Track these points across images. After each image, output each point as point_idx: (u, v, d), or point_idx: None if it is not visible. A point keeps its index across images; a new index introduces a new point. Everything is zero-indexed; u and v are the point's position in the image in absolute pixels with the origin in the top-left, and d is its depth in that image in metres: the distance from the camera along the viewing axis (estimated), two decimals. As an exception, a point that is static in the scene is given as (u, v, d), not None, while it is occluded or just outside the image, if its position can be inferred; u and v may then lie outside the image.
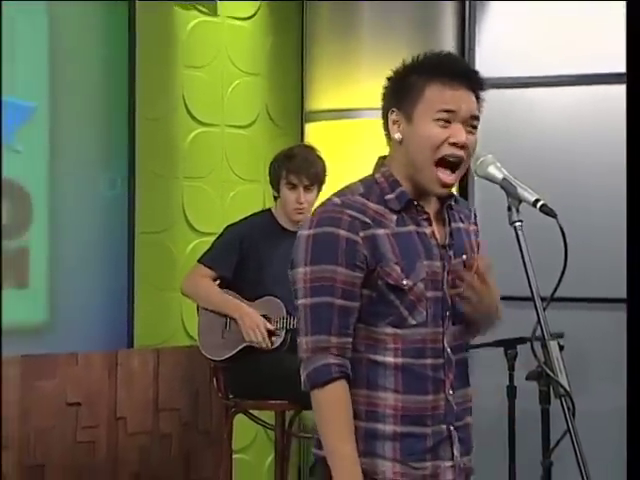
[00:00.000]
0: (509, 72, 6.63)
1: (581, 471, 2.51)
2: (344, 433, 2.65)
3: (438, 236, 2.75)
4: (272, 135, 6.44)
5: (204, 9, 6.29)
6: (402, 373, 2.68)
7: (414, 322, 2.68)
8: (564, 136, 6.49)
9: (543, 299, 2.60)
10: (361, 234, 2.65)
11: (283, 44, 6.72)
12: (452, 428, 2.73)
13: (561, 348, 2.65)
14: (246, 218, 5.14)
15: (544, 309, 2.62)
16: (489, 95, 7.42)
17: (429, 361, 2.70)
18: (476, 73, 2.76)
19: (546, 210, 2.63)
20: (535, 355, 2.63)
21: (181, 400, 5.88)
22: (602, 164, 6.13)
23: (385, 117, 2.76)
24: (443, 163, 2.66)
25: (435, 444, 2.71)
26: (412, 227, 2.72)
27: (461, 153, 2.66)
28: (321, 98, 6.48)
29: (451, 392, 2.73)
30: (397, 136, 2.71)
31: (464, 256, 2.79)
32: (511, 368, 4.61)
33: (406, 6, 6.42)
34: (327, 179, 5.05)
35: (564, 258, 2.60)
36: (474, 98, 2.72)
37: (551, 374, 2.60)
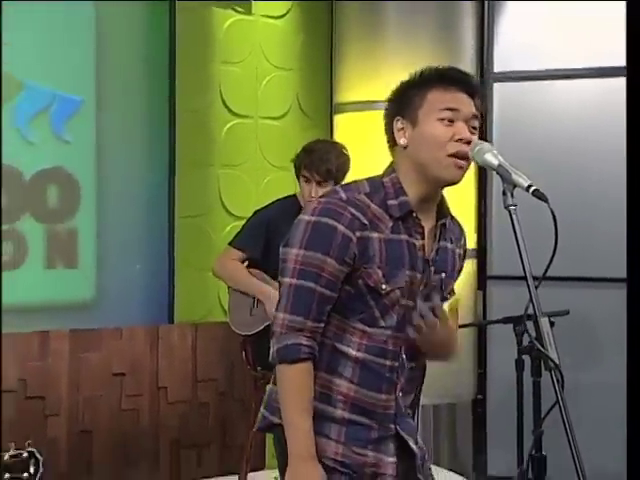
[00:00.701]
0: (525, 66, 6.67)
1: (569, 438, 2.54)
2: (304, 409, 2.67)
3: (426, 249, 2.74)
4: (303, 126, 6.45)
5: (240, 9, 6.33)
6: (360, 367, 2.70)
7: (384, 324, 2.70)
8: (577, 125, 6.53)
9: (536, 278, 2.61)
10: (357, 234, 2.66)
11: (313, 41, 6.73)
12: (399, 428, 2.75)
13: (552, 324, 2.66)
14: (273, 203, 5.14)
15: (536, 287, 2.61)
16: (507, 87, 7.48)
17: (388, 362, 2.72)
18: (472, 78, 2.79)
19: (538, 195, 2.62)
20: (527, 331, 2.70)
21: (218, 371, 5.94)
22: (612, 151, 6.17)
23: (389, 128, 2.77)
24: (451, 156, 2.67)
25: (379, 438, 2.73)
26: (404, 236, 2.71)
27: (467, 149, 2.66)
28: (349, 91, 6.50)
29: (401, 394, 2.74)
30: (403, 141, 2.71)
31: (443, 274, 2.78)
32: (519, 343, 4.54)
33: (429, 6, 6.44)
34: (354, 166, 5.00)
35: (555, 240, 2.59)
36: (472, 101, 2.72)
37: (541, 348, 2.61)
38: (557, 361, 2.59)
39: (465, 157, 2.68)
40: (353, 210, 2.66)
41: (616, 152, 6.09)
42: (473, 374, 6.68)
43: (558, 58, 6.61)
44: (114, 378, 5.69)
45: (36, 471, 3.19)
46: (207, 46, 6.29)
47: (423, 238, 2.74)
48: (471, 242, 6.58)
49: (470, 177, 6.55)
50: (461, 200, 6.52)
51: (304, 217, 2.71)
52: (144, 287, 6.13)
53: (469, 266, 6.60)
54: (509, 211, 2.64)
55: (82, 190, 5.92)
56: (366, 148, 5.81)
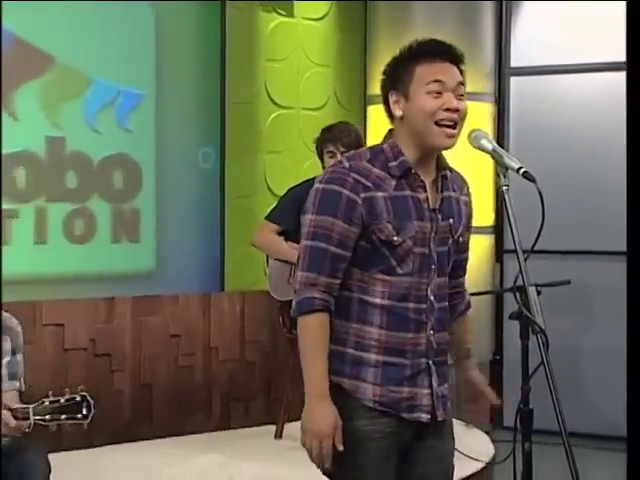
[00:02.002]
0: (540, 61, 6.69)
1: (552, 393, 2.58)
2: (319, 355, 2.64)
3: (430, 201, 2.72)
4: (339, 116, 6.43)
5: (283, 12, 6.39)
6: (387, 313, 2.68)
7: (401, 271, 2.68)
8: (588, 114, 6.56)
9: (525, 251, 2.65)
10: (362, 195, 2.64)
11: (349, 40, 6.77)
12: (431, 362, 2.71)
13: (538, 293, 2.68)
14: (303, 182, 5.16)
15: (525, 260, 2.64)
16: (523, 80, 7.51)
17: (411, 305, 2.69)
18: (455, 48, 2.74)
19: (527, 176, 2.63)
20: (516, 298, 2.69)
21: (262, 334, 5.99)
22: (620, 138, 6.25)
23: (386, 100, 2.75)
24: (442, 125, 2.64)
25: (413, 374, 2.70)
26: (408, 192, 2.69)
27: (455, 116, 2.65)
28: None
29: (432, 332, 2.72)
30: (398, 113, 2.69)
31: (451, 220, 2.76)
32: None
33: (452, 5, 6.50)
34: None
35: (542, 217, 2.61)
36: (457, 69, 2.70)
37: (528, 314, 2.64)
38: (542, 326, 2.63)
39: (454, 124, 2.67)
40: (356, 175, 2.66)
41: (624, 139, 6.19)
42: (491, 337, 6.80)
43: (571, 53, 6.63)
44: (171, 339, 5.76)
45: (88, 412, 3.37)
46: (254, 45, 6.35)
47: (425, 191, 2.72)
48: (489, 219, 6.69)
49: (488, 158, 6.67)
50: (479, 180, 6.61)
51: (315, 185, 2.72)
52: (198, 259, 6.19)
53: (487, 241, 6.70)
54: (502, 191, 2.67)
55: (143, 174, 6.02)
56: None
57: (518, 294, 4.82)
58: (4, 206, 5.56)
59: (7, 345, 3.64)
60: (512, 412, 6.22)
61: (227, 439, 5.16)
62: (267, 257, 5.26)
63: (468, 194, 2.90)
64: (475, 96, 6.53)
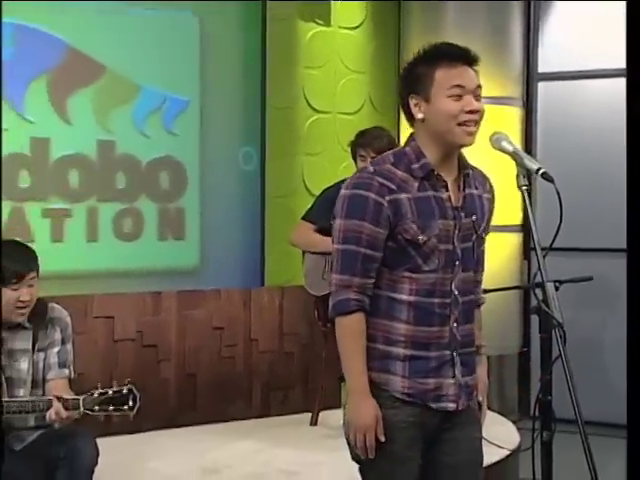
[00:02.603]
0: (567, 67, 6.65)
1: (568, 385, 2.58)
2: (357, 353, 2.65)
3: (453, 199, 2.71)
4: (374, 119, 6.41)
5: (320, 21, 6.40)
6: (413, 308, 2.67)
7: (427, 268, 2.67)
8: (611, 118, 6.48)
9: (544, 248, 2.66)
10: (387, 198, 2.63)
11: (383, 47, 6.76)
12: (455, 354, 2.71)
13: (557, 289, 2.66)
14: (336, 183, 5.09)
15: (544, 257, 2.65)
16: (552, 86, 7.44)
17: (436, 300, 2.69)
18: (471, 51, 2.73)
19: (545, 177, 2.64)
20: (535, 294, 2.69)
21: (300, 327, 5.99)
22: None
23: (405, 103, 2.73)
24: (463, 125, 2.64)
25: (439, 365, 2.69)
26: (431, 192, 2.68)
27: (475, 117, 2.65)
28: None
29: (455, 325, 2.71)
30: (420, 116, 2.68)
31: (474, 217, 2.75)
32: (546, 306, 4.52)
33: (482, 13, 6.48)
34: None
35: (560, 216, 2.65)
36: (473, 71, 2.69)
37: (547, 309, 2.62)
38: (560, 320, 2.61)
39: (474, 124, 2.66)
40: (381, 179, 2.65)
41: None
42: (519, 330, 6.80)
43: (597, 59, 6.59)
44: (214, 331, 5.79)
45: (134, 404, 3.45)
46: (293, 53, 6.37)
47: (448, 190, 2.71)
48: (517, 218, 6.69)
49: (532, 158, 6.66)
50: (507, 180, 6.59)
51: (342, 192, 2.72)
52: (240, 256, 6.23)
53: (515, 239, 6.71)
54: (521, 190, 2.67)
55: (188, 175, 6.07)
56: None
57: (538, 290, 4.79)
58: (58, 206, 5.68)
59: (57, 335, 3.72)
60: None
61: (265, 426, 5.20)
62: (303, 254, 5.27)
63: (491, 191, 2.90)
64: (504, 100, 6.56)
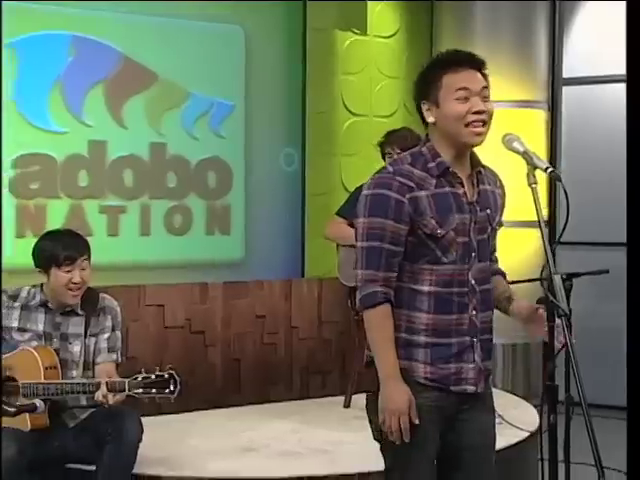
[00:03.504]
0: (591, 72, 6.63)
1: (573, 369, 2.58)
2: (387, 342, 2.64)
3: (468, 195, 2.71)
4: (407, 122, 6.15)
5: (357, 30, 6.42)
6: (433, 298, 2.67)
7: (446, 260, 2.66)
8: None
9: (564, 242, 2.62)
10: (407, 196, 2.63)
11: (416, 54, 6.72)
12: (475, 340, 2.71)
13: (563, 281, 2.66)
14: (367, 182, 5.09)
15: (553, 250, 2.66)
16: (576, 90, 7.33)
17: (455, 289, 2.68)
18: (476, 56, 2.73)
19: (553, 175, 2.65)
20: (542, 286, 2.69)
21: (338, 315, 5.95)
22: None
23: (419, 108, 2.73)
24: (470, 126, 2.64)
25: (459, 351, 2.69)
26: (447, 189, 2.68)
27: (483, 117, 2.63)
28: None
29: (474, 313, 2.70)
30: (431, 119, 2.68)
31: (488, 210, 2.75)
32: (568, 296, 4.33)
33: (510, 22, 6.45)
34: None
35: (567, 212, 2.68)
36: (480, 75, 2.69)
37: (554, 300, 2.61)
38: (566, 310, 2.61)
39: (481, 124, 2.65)
40: (400, 178, 2.64)
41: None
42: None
43: (619, 64, 6.56)
44: (257, 319, 5.81)
45: (175, 388, 3.49)
46: (331, 61, 6.39)
47: (463, 186, 2.71)
48: (543, 213, 6.68)
49: (541, 152, 6.49)
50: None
51: (364, 192, 2.70)
52: (282, 249, 6.25)
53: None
54: (531, 188, 2.64)
55: (234, 174, 6.10)
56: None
57: (563, 282, 4.70)
58: (114, 203, 5.76)
59: (108, 322, 3.78)
60: (563, 386, 6.01)
61: (303, 408, 5.23)
62: (337, 248, 5.27)
63: (502, 187, 2.89)
64: (530, 104, 6.54)
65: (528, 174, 2.67)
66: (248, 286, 5.85)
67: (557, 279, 2.66)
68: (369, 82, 6.56)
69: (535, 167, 2.67)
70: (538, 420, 4.94)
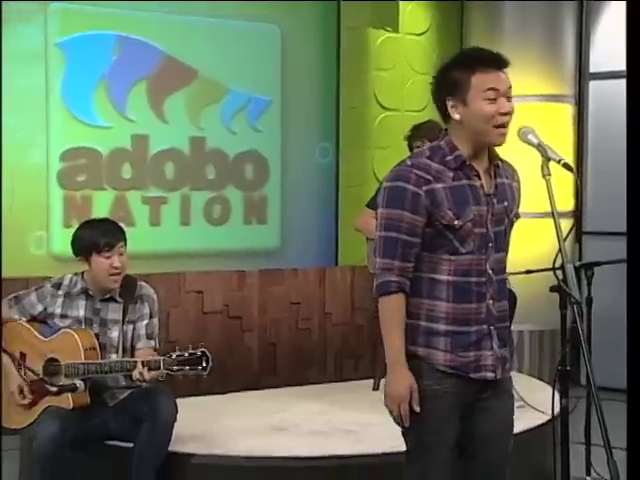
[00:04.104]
0: (617, 67, 6.41)
1: (583, 354, 2.59)
2: (395, 330, 2.62)
3: (485, 187, 2.67)
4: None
5: (389, 28, 6.42)
6: (452, 287, 2.64)
7: (464, 250, 2.63)
8: None
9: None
10: (424, 188, 2.59)
11: (447, 51, 6.55)
12: (492, 328, 2.68)
13: (575, 270, 2.62)
14: None
15: (564, 240, 2.61)
16: (602, 85, 7.27)
17: (473, 279, 2.65)
18: (502, 56, 2.65)
19: (567, 167, 2.62)
20: (555, 275, 2.63)
21: (369, 302, 5.62)
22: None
23: (441, 103, 2.68)
24: (497, 127, 2.61)
25: (478, 339, 2.66)
26: (465, 181, 2.65)
27: (508, 119, 2.61)
28: None
29: (491, 302, 2.67)
30: (457, 117, 2.64)
31: (505, 203, 2.71)
32: (589, 284, 4.38)
33: (538, 19, 6.39)
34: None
35: (580, 203, 2.61)
36: (504, 74, 2.63)
37: (566, 288, 2.59)
38: (578, 298, 2.59)
39: (507, 125, 2.62)
40: (417, 171, 2.61)
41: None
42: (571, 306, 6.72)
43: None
44: (292, 306, 5.86)
45: (206, 365, 3.53)
46: (364, 58, 6.40)
47: (480, 179, 2.67)
48: (570, 204, 6.61)
49: (569, 149, 6.48)
50: (560, 167, 6.55)
51: (383, 185, 2.68)
52: (316, 238, 6.29)
53: (568, 224, 6.62)
54: (545, 179, 2.62)
55: (270, 167, 6.15)
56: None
57: (585, 272, 4.61)
58: (156, 194, 5.83)
59: (146, 310, 3.80)
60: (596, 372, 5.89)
61: (335, 390, 5.24)
62: (367, 238, 5.24)
63: (518, 180, 2.84)
64: (558, 98, 6.49)
65: (542, 166, 2.64)
66: (283, 274, 5.89)
67: (569, 268, 2.63)
68: (401, 78, 6.55)
69: (549, 159, 2.64)
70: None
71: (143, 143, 5.77)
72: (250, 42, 6.03)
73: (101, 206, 5.63)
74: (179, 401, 3.73)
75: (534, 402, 4.66)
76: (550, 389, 5.34)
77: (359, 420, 4.32)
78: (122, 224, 5.50)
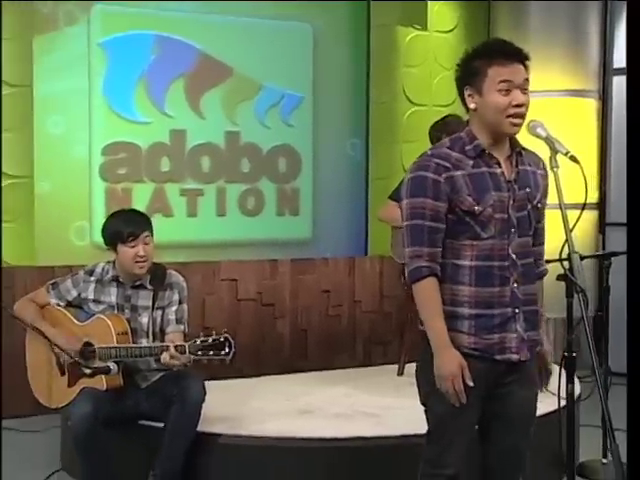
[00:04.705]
0: None
1: (588, 342, 2.57)
2: (436, 313, 2.59)
3: (506, 174, 2.65)
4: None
5: (418, 26, 6.39)
6: (475, 272, 2.62)
7: (485, 236, 2.61)
8: None
9: (617, 224, 2.48)
10: (443, 176, 2.58)
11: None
12: (517, 311, 2.64)
13: (581, 259, 2.58)
14: None
15: (571, 230, 2.55)
16: (624, 80, 7.21)
17: (496, 263, 2.62)
18: (521, 50, 2.63)
19: (573, 159, 2.57)
20: (562, 265, 2.59)
21: (398, 290, 5.75)
22: None
23: (461, 92, 2.67)
24: (510, 117, 2.58)
25: (502, 322, 2.63)
26: (485, 169, 2.63)
27: (522, 110, 2.59)
28: None
29: (515, 285, 2.64)
30: (472, 106, 2.64)
31: (527, 189, 2.68)
32: (607, 273, 4.42)
33: (563, 16, 6.32)
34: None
35: (585, 193, 2.56)
36: (523, 67, 2.60)
37: (571, 277, 2.56)
38: (583, 287, 2.56)
39: (521, 116, 2.59)
40: (437, 160, 2.60)
41: None
42: (595, 295, 6.66)
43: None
44: (323, 293, 5.89)
45: (229, 350, 3.54)
46: (393, 55, 6.37)
47: (500, 167, 2.65)
48: (593, 196, 6.56)
49: (593, 143, 6.46)
50: (584, 160, 6.43)
51: (406, 176, 2.67)
52: (346, 229, 6.28)
53: (592, 215, 6.57)
54: (553, 172, 2.60)
55: (302, 160, 6.16)
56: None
57: (602, 261, 4.57)
58: (193, 186, 5.87)
59: (175, 296, 3.83)
60: (613, 358, 5.87)
61: (362, 374, 5.24)
62: (391, 229, 5.23)
63: (544, 169, 2.78)
64: (582, 92, 6.43)
65: (551, 158, 2.61)
66: (315, 263, 5.92)
67: (576, 258, 2.59)
68: (429, 74, 6.51)
69: (557, 152, 2.60)
70: (579, 389, 4.86)
71: (181, 138, 5.82)
72: (283, 40, 6.05)
73: (140, 198, 5.69)
74: (213, 384, 3.77)
75: (554, 388, 4.62)
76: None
77: (381, 404, 4.32)
78: (160, 215, 5.65)
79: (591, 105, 6.50)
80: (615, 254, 4.74)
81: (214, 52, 5.85)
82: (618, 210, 6.47)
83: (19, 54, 5.32)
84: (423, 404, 2.74)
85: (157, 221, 5.61)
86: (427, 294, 2.61)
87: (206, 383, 3.69)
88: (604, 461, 4.38)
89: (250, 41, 5.94)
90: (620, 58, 6.51)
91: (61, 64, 5.47)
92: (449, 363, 2.59)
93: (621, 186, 6.41)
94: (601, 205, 6.60)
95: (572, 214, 5.94)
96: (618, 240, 6.42)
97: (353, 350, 6.01)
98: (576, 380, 5.21)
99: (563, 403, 4.55)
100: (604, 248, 6.59)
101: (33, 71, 5.37)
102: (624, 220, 6.55)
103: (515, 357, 2.67)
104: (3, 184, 5.33)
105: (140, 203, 5.61)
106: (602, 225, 6.60)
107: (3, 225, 5.30)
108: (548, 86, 6.29)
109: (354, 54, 6.32)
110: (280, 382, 4.95)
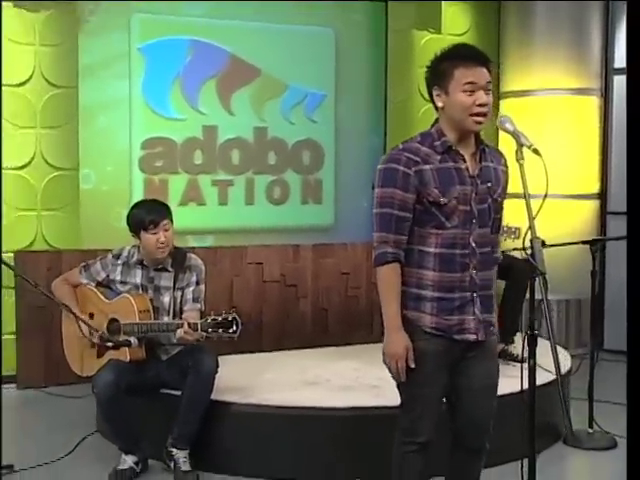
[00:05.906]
0: None
1: (547, 324, 2.55)
2: (392, 298, 2.64)
3: (471, 169, 2.66)
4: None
5: (432, 29, 6.35)
6: (439, 258, 2.64)
7: (449, 225, 2.63)
8: None
9: (616, 213, 2.43)
10: (413, 169, 2.59)
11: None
12: (475, 295, 2.67)
13: (543, 245, 2.53)
14: None
15: (534, 218, 2.53)
16: (625, 79, 7.08)
17: (458, 251, 2.65)
18: (483, 53, 2.65)
19: (536, 152, 2.54)
20: (525, 251, 2.55)
21: None
22: None
23: (430, 92, 2.68)
24: (474, 116, 2.59)
25: (461, 305, 2.66)
26: (451, 164, 2.63)
27: (485, 109, 2.59)
28: (511, 82, 6.42)
29: (474, 272, 2.66)
30: (440, 105, 2.64)
31: (489, 183, 2.69)
32: (594, 258, 4.38)
33: (566, 18, 6.23)
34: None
35: (546, 185, 2.52)
36: (486, 70, 2.61)
37: (532, 260, 2.53)
38: (544, 270, 2.53)
39: (483, 115, 2.60)
40: (407, 154, 2.61)
41: None
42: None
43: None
44: (342, 275, 5.84)
45: (237, 329, 3.52)
46: (409, 57, 6.34)
47: (465, 162, 2.65)
48: (595, 187, 6.50)
49: (595, 138, 6.37)
50: (587, 157, 6.40)
51: (378, 167, 2.67)
52: (365, 217, 6.17)
53: (593, 205, 6.49)
54: (519, 164, 2.56)
55: (325, 153, 6.19)
56: (523, 125, 5.80)
57: (590, 247, 4.51)
58: (224, 177, 5.94)
59: (193, 278, 3.88)
60: (609, 338, 5.65)
61: (374, 349, 5.11)
62: None
63: (505, 165, 2.81)
64: (584, 91, 6.34)
65: (517, 151, 2.59)
66: (334, 248, 5.90)
67: (536, 244, 2.56)
68: (443, 74, 6.46)
69: (522, 145, 2.58)
70: (569, 364, 4.81)
71: (212, 133, 5.87)
72: (307, 43, 6.07)
73: (176, 188, 5.77)
74: (237, 357, 3.84)
75: (546, 364, 4.60)
76: (565, 353, 5.30)
77: (384, 376, 4.32)
78: (194, 204, 5.70)
79: (593, 103, 6.42)
80: (602, 240, 4.71)
81: (244, 55, 5.90)
82: (619, 200, 6.39)
83: (65, 58, 5.43)
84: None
85: (191, 209, 5.82)
86: (388, 279, 2.65)
87: (230, 357, 3.72)
88: (590, 430, 4.37)
89: (277, 44, 5.98)
90: (621, 58, 6.41)
91: (104, 67, 5.57)
92: (396, 344, 2.65)
93: (621, 178, 6.34)
94: (603, 195, 6.52)
95: (575, 204, 5.89)
96: (618, 228, 6.36)
97: (370, 327, 5.94)
98: (567, 355, 5.21)
99: (552, 378, 4.54)
100: (605, 235, 6.53)
101: (78, 73, 5.48)
102: (624, 209, 6.55)
103: (473, 337, 2.70)
104: (50, 176, 5.45)
105: (175, 193, 5.71)
106: (603, 214, 6.53)
107: (49, 213, 5.43)
108: (553, 85, 6.24)
109: (373, 56, 6.32)
110: (296, 356, 4.98)
